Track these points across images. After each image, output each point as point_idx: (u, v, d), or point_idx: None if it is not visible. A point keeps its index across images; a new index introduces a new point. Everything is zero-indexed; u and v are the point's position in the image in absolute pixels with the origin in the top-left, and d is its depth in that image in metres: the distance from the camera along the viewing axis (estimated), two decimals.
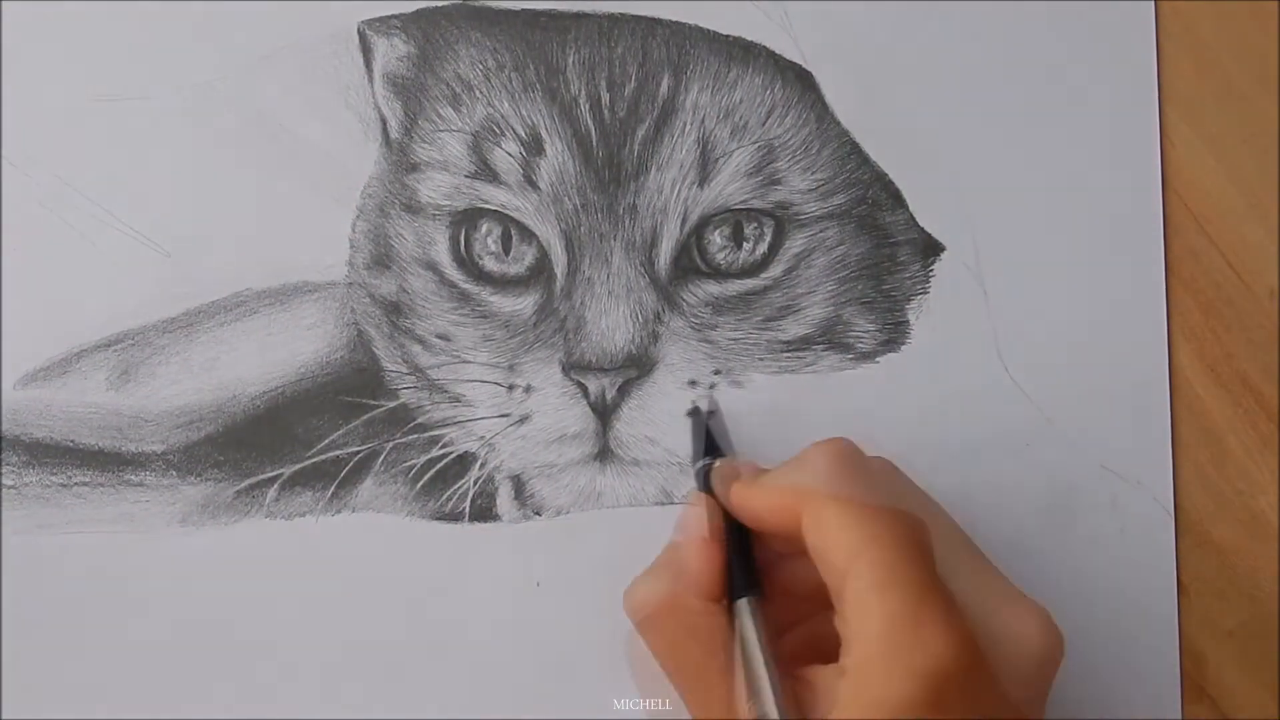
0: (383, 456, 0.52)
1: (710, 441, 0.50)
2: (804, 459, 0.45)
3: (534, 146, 0.51)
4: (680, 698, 0.45)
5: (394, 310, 0.52)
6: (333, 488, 0.51)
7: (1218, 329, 0.53)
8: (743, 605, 0.44)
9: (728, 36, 0.52)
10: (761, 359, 0.52)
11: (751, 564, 0.46)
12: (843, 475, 0.44)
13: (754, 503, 0.45)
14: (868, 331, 0.52)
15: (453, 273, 0.52)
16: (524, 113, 0.51)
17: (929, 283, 0.52)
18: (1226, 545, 0.52)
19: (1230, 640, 0.52)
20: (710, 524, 0.46)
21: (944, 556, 0.43)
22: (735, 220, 0.51)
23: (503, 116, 0.51)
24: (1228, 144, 0.53)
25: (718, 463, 0.48)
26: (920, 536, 0.42)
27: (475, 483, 0.52)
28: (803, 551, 0.43)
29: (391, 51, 0.52)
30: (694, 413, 0.51)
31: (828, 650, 0.43)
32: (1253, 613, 0.53)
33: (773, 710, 0.42)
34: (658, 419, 0.51)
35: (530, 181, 0.51)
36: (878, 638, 0.40)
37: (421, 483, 0.52)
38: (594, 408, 0.51)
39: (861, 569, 0.41)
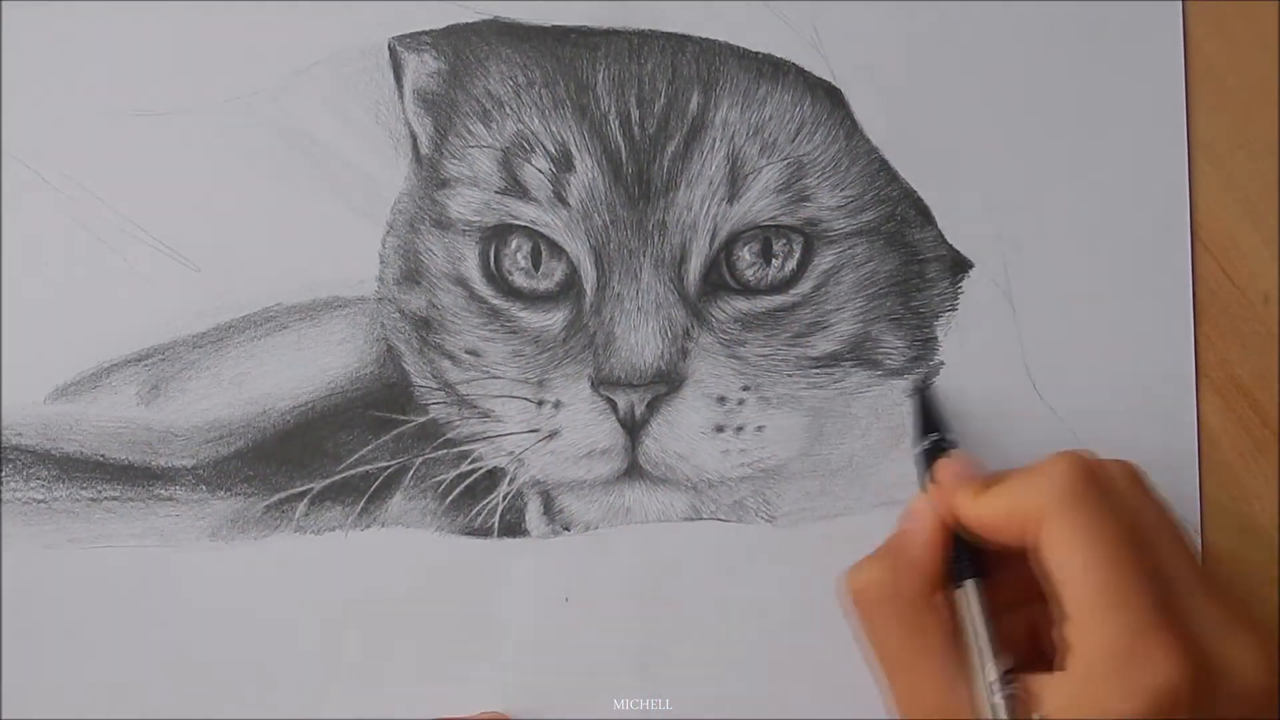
0: (412, 472, 0.52)
1: (929, 420, 0.50)
2: (1039, 472, 0.45)
3: (564, 162, 0.51)
4: (886, 684, 0.46)
5: (424, 325, 0.52)
6: (362, 503, 0.51)
7: (1211, 335, 0.53)
8: (970, 588, 0.45)
9: (757, 53, 0.52)
10: (790, 375, 0.52)
11: (976, 548, 0.46)
12: (1078, 494, 0.44)
13: (983, 517, 0.46)
14: (896, 348, 0.52)
15: (482, 288, 0.52)
16: (554, 129, 0.51)
17: (958, 300, 0.52)
18: (1221, 551, 0.52)
19: None
20: (937, 517, 0.47)
21: (1174, 577, 0.43)
22: (764, 237, 0.52)
23: (533, 132, 0.52)
24: (1222, 150, 0.53)
25: (943, 458, 0.48)
26: (1154, 560, 0.43)
27: (504, 498, 0.52)
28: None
29: (422, 67, 0.52)
30: (914, 391, 0.52)
31: (1041, 639, 0.46)
32: None
33: (994, 697, 0.43)
34: (687, 435, 0.51)
35: (560, 197, 0.51)
36: (1105, 655, 0.41)
37: (451, 498, 0.52)
38: (623, 423, 0.51)
39: (1091, 588, 0.42)
